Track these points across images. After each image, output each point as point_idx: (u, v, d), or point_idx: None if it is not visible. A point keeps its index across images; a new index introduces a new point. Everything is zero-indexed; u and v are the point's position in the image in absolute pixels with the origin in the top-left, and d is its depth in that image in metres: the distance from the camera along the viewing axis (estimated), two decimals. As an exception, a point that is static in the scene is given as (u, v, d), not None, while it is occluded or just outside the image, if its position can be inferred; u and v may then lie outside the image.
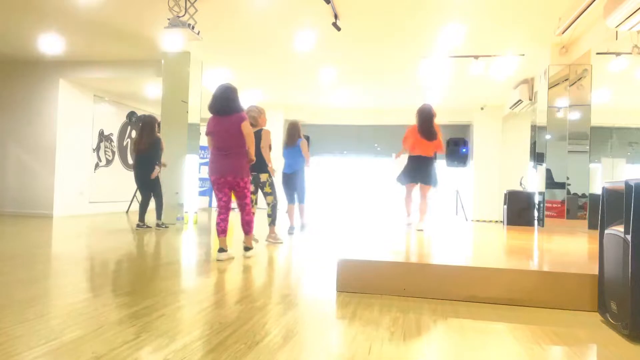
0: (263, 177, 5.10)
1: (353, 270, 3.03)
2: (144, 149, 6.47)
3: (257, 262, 4.16)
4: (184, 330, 2.14)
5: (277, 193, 5.33)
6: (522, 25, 6.22)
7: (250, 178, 4.46)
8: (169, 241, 5.58)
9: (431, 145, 5.48)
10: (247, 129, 4.12)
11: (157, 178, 6.57)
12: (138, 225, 6.50)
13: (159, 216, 6.67)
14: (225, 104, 4.14)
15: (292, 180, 6.20)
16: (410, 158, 5.59)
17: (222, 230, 4.23)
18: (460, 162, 10.65)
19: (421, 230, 5.43)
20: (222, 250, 4.18)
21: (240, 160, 4.16)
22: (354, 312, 2.53)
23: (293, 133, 6.19)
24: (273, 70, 8.80)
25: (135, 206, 7.13)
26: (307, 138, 7.06)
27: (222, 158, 4.15)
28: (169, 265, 3.97)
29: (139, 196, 6.77)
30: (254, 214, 4.75)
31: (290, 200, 6.30)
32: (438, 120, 5.60)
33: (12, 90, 8.72)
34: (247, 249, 4.42)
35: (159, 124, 6.84)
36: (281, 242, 5.35)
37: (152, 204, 6.75)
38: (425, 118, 5.47)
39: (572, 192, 6.68)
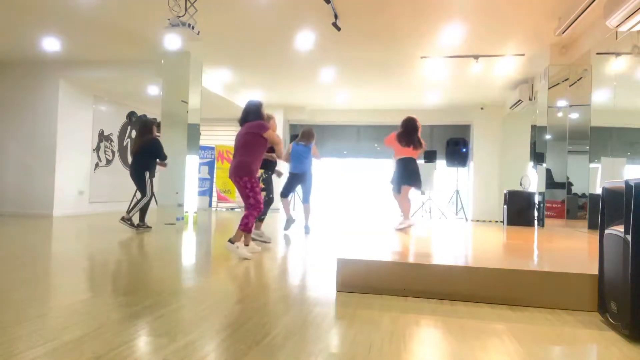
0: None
1: (353, 270, 3.03)
2: (135, 150, 6.56)
3: (257, 261, 4.16)
4: (184, 330, 2.14)
5: (272, 191, 5.35)
6: (522, 25, 6.22)
7: (250, 178, 4.44)
8: (169, 241, 5.58)
9: (414, 151, 5.74)
10: (270, 136, 4.38)
11: (146, 177, 6.49)
12: (138, 226, 6.48)
13: (129, 210, 6.38)
14: (245, 116, 4.52)
15: (299, 180, 6.33)
16: (398, 161, 5.77)
17: (249, 229, 4.39)
18: (460, 162, 10.65)
19: (405, 228, 5.60)
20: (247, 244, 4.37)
21: (242, 160, 4.30)
22: (354, 312, 2.53)
23: (308, 135, 6.44)
24: (273, 70, 8.80)
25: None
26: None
27: (232, 161, 4.48)
28: (169, 265, 3.97)
29: (138, 196, 6.76)
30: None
31: (285, 194, 6.36)
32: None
33: (12, 90, 8.72)
34: (230, 241, 4.26)
35: (158, 125, 6.83)
36: (269, 242, 5.24)
37: (153, 204, 6.74)
38: (412, 129, 5.68)
39: (572, 192, 6.68)
